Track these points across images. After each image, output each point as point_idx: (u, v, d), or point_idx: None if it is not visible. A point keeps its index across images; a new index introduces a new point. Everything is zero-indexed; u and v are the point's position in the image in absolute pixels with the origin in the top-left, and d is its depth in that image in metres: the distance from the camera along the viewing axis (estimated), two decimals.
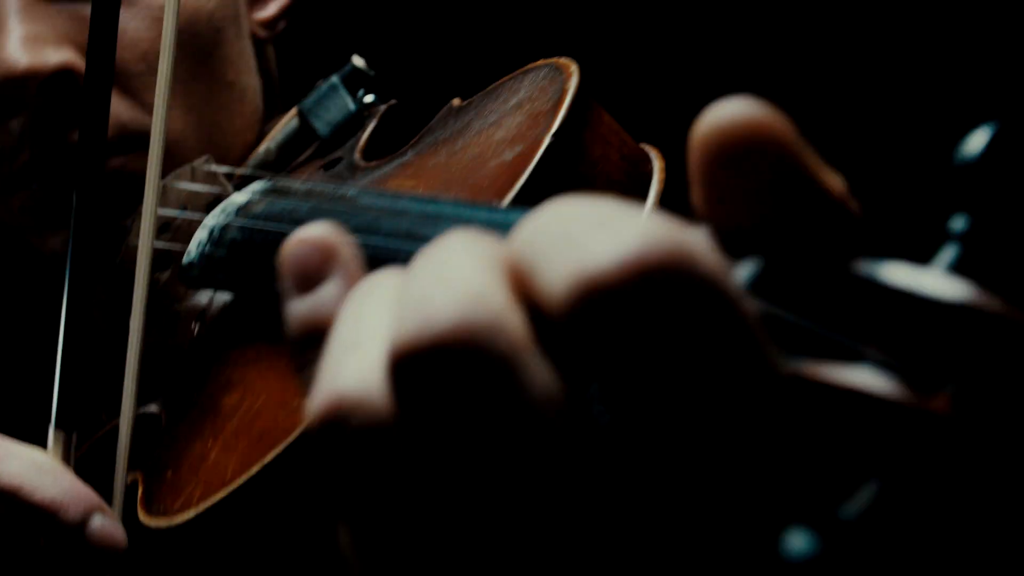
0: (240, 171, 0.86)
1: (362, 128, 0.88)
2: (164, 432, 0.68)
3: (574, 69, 0.63)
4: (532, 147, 0.58)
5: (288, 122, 0.93)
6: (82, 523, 0.64)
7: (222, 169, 0.84)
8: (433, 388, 0.35)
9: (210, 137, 0.89)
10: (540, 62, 0.67)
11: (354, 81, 0.92)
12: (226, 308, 0.73)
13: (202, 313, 0.74)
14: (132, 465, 0.67)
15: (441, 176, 0.65)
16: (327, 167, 0.83)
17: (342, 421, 0.37)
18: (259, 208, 0.70)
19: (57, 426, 0.67)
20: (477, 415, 0.35)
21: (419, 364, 0.35)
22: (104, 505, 0.65)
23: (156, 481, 0.63)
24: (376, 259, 0.52)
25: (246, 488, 0.55)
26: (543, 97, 0.61)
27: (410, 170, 0.70)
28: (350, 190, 0.64)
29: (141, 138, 0.81)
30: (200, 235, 0.74)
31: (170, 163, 0.82)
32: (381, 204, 0.57)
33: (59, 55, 0.81)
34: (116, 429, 0.69)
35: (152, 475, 0.64)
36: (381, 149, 0.82)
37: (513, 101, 0.66)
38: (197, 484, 0.58)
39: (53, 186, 0.84)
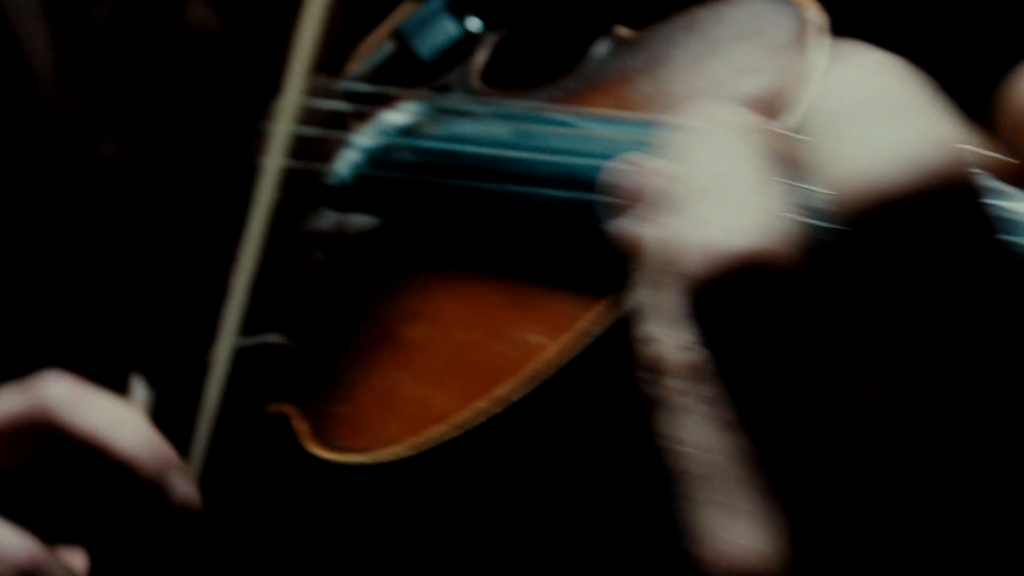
0: (364, 88, 0.81)
1: (470, 55, 0.82)
2: (305, 364, 0.64)
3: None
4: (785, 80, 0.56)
5: (381, 44, 0.88)
6: (158, 481, 0.62)
7: (349, 85, 0.78)
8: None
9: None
10: None
11: (459, 6, 0.86)
12: (373, 234, 0.67)
13: (328, 238, 0.69)
14: (268, 398, 0.63)
15: (655, 105, 0.61)
16: (437, 92, 0.77)
17: (751, 269, 0.38)
18: (435, 130, 0.65)
19: (140, 374, 0.63)
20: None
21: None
22: (180, 464, 0.63)
23: (325, 414, 0.59)
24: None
25: (481, 425, 0.52)
26: (775, 28, 0.58)
27: (598, 98, 0.64)
28: (550, 113, 0.61)
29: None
30: (351, 156, 0.69)
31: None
32: (609, 129, 0.56)
33: None
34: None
35: (316, 408, 0.60)
36: (499, 78, 0.76)
37: (726, 32, 0.61)
38: (390, 418, 0.54)
39: (112, 88, 0.80)
